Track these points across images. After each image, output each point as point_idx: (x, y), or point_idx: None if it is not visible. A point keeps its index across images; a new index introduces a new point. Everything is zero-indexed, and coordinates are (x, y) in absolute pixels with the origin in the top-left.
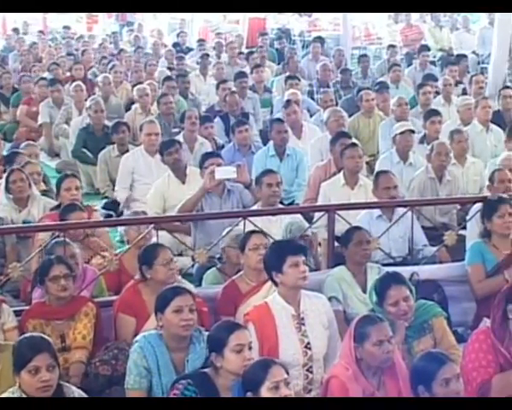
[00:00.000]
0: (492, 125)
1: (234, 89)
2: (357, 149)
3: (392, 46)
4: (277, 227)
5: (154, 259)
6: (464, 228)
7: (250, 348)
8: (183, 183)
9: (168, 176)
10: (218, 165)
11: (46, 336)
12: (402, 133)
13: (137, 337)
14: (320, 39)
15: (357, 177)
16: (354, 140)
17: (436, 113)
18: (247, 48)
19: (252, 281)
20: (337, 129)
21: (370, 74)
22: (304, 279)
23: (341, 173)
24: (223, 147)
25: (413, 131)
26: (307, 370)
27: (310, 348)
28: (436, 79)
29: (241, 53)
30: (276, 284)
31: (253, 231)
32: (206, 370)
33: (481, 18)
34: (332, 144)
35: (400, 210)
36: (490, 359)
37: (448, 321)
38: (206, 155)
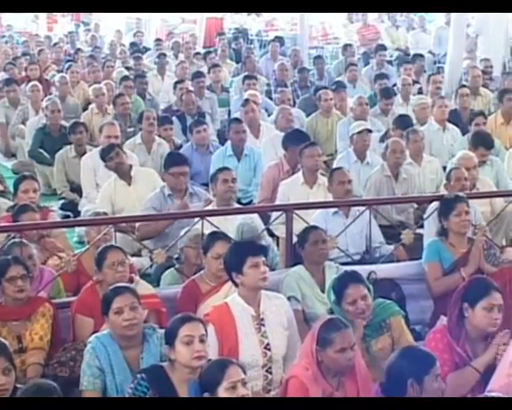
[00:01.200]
0: (449, 125)
1: (191, 88)
2: (315, 149)
3: (348, 46)
4: (234, 226)
5: (102, 261)
6: (421, 227)
7: (202, 341)
8: (129, 184)
9: (114, 179)
10: (184, 173)
11: (1, 339)
12: (359, 133)
13: (90, 338)
14: (279, 39)
15: (316, 176)
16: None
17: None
18: (204, 48)
19: (212, 282)
20: (286, 126)
21: (327, 74)
22: (264, 280)
23: (300, 172)
24: (181, 147)
25: (370, 131)
26: (266, 371)
27: (269, 349)
28: (388, 78)
29: (197, 53)
30: (236, 284)
31: (217, 237)
32: (163, 364)
33: (437, 18)
34: (284, 142)
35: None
36: (446, 358)
37: (406, 319)
38: (172, 161)
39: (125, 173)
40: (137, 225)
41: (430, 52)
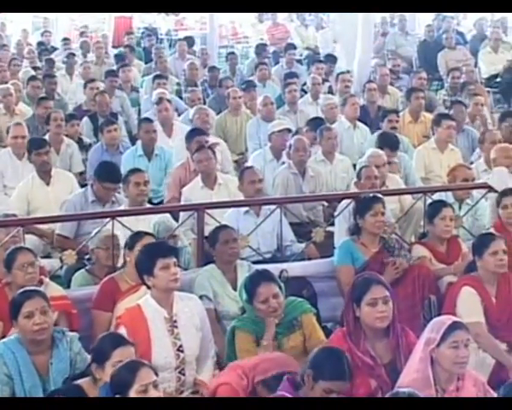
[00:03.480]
0: (359, 123)
1: (101, 88)
2: (205, 152)
3: (259, 45)
4: (145, 226)
5: (12, 262)
6: (332, 224)
7: None
8: (48, 184)
9: (32, 177)
10: (116, 188)
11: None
12: (279, 132)
13: None
14: (189, 38)
15: (215, 176)
16: (212, 138)
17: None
18: (113, 47)
19: (132, 280)
20: (202, 126)
21: (238, 73)
22: (175, 281)
23: (199, 176)
24: (90, 146)
25: (290, 130)
26: (179, 372)
27: (182, 351)
28: (297, 77)
29: (106, 52)
30: (148, 287)
31: (143, 233)
32: (81, 382)
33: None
34: (187, 143)
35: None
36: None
37: (317, 317)
38: (107, 177)
39: (45, 172)
40: (56, 234)
41: None
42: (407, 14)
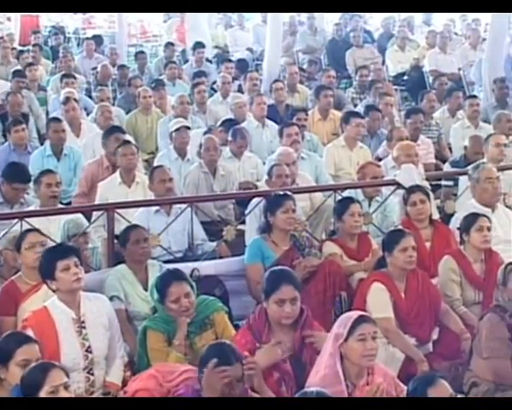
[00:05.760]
0: (268, 121)
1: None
2: (130, 147)
3: (168, 44)
4: (56, 226)
5: None
6: (243, 223)
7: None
8: None
9: None
10: (26, 189)
11: None
12: (177, 130)
13: None
14: (97, 37)
15: (134, 174)
16: (129, 137)
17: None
18: (20, 46)
19: (31, 280)
20: (105, 124)
21: (147, 72)
22: (78, 282)
23: (118, 172)
24: None
25: (188, 128)
26: (88, 372)
27: (91, 352)
28: (206, 76)
29: (13, 49)
30: (53, 290)
31: (28, 230)
32: None
33: (255, 16)
34: (104, 139)
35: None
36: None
37: (229, 315)
38: (15, 177)
39: None
40: None
41: (249, 49)
42: (316, 14)
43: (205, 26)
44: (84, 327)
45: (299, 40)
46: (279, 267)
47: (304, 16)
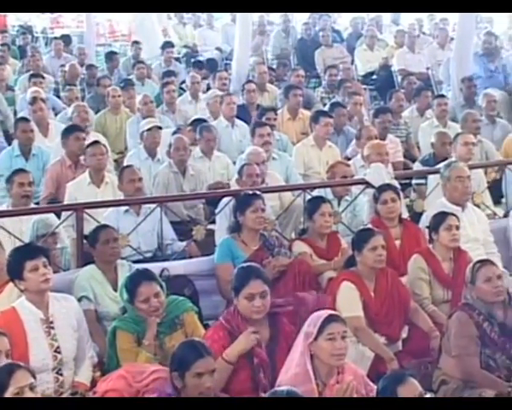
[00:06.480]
0: (238, 121)
1: None
2: (99, 147)
3: (136, 42)
4: (28, 226)
5: None
6: (213, 222)
7: (7, 356)
8: None
9: None
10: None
11: None
12: (149, 130)
13: None
14: (66, 37)
15: (103, 174)
16: (96, 136)
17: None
18: None
19: None
20: (81, 123)
21: (116, 71)
22: (46, 282)
23: (87, 172)
24: None
25: (160, 128)
26: (57, 373)
27: (59, 352)
28: (175, 75)
29: None
30: (21, 290)
31: None
32: None
33: (224, 16)
34: (63, 138)
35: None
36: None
37: (199, 315)
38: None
39: None
40: None
41: (218, 49)
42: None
43: (154, 19)
44: (53, 328)
45: (272, 42)
46: (247, 264)
47: (273, 16)
